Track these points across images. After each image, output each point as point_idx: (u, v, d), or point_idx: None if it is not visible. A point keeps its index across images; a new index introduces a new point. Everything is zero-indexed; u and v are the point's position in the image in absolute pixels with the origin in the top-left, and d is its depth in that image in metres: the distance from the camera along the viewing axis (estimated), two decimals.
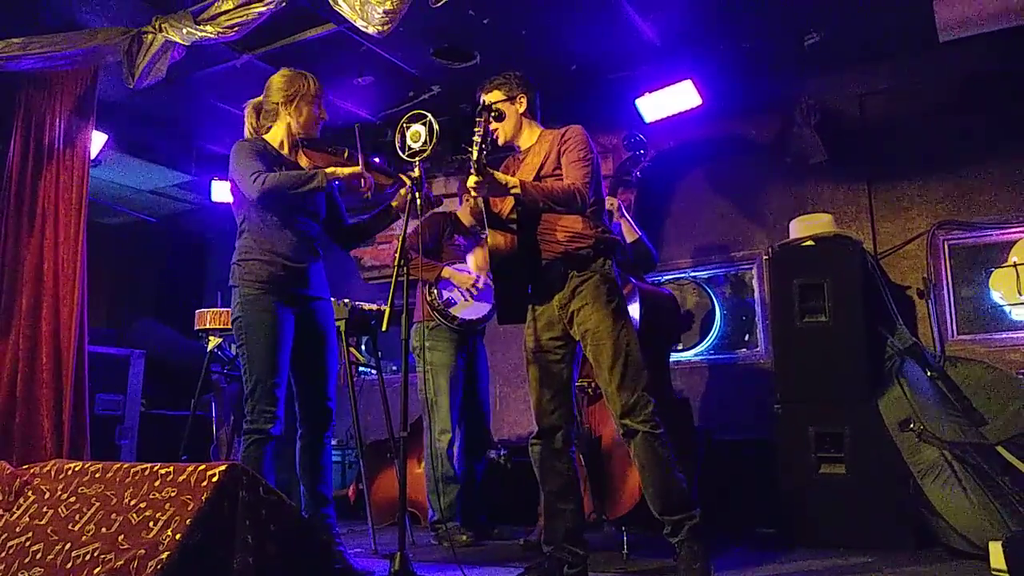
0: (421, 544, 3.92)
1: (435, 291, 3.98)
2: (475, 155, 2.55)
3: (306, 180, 2.88)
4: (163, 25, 3.94)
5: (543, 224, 2.86)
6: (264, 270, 2.94)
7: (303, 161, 3.08)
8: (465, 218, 4.22)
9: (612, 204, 3.81)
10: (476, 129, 2.59)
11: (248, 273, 2.95)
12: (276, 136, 3.10)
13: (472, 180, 2.60)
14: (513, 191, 2.69)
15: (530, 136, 3.00)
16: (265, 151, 3.01)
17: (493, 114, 2.80)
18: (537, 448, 2.86)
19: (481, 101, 2.94)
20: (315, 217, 3.12)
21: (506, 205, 2.89)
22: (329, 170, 2.91)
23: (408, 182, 2.96)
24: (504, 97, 2.95)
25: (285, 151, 3.08)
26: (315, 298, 3.09)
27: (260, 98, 3.16)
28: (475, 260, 4.00)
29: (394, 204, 3.14)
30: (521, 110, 2.97)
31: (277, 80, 3.08)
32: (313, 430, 3.10)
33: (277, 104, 3.07)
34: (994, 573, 2.82)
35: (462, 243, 4.18)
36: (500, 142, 3.00)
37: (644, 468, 2.70)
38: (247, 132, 3.17)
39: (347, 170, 2.92)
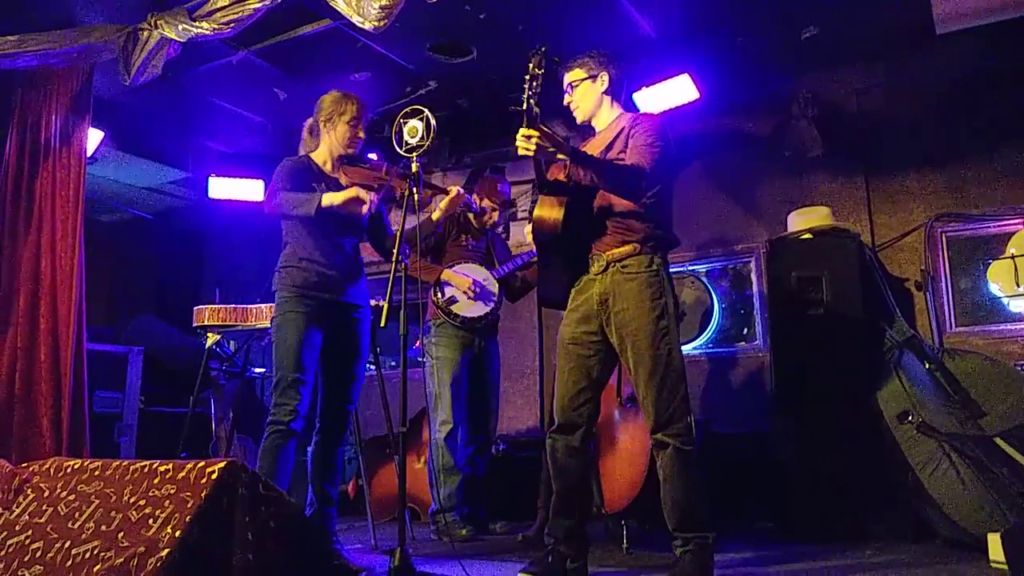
0: (421, 539, 3.93)
1: (439, 289, 4.05)
2: (524, 105, 2.41)
3: (302, 203, 3.00)
4: (159, 22, 3.93)
5: (596, 209, 2.73)
6: (299, 276, 3.10)
7: (343, 178, 3.19)
8: (473, 220, 4.22)
9: None
10: (526, 77, 2.45)
11: (285, 278, 3.12)
12: (321, 154, 3.25)
13: (522, 132, 2.44)
14: (562, 156, 2.53)
15: (608, 116, 2.88)
16: (307, 168, 3.18)
17: (546, 60, 2.55)
18: (555, 443, 2.74)
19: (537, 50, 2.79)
20: (354, 229, 3.23)
21: (563, 174, 2.73)
22: (326, 197, 2.99)
23: (452, 191, 3.21)
24: (585, 75, 2.85)
25: (328, 168, 3.23)
26: (352, 306, 3.20)
27: (312, 118, 3.31)
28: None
29: (434, 217, 3.32)
30: (603, 88, 2.86)
31: (324, 100, 3.25)
32: (329, 430, 3.20)
33: (321, 124, 3.23)
34: (993, 565, 2.83)
35: (471, 245, 4.20)
36: (579, 120, 2.92)
37: (667, 481, 2.62)
38: (301, 149, 3.34)
39: (342, 196, 2.98)
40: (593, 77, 2.86)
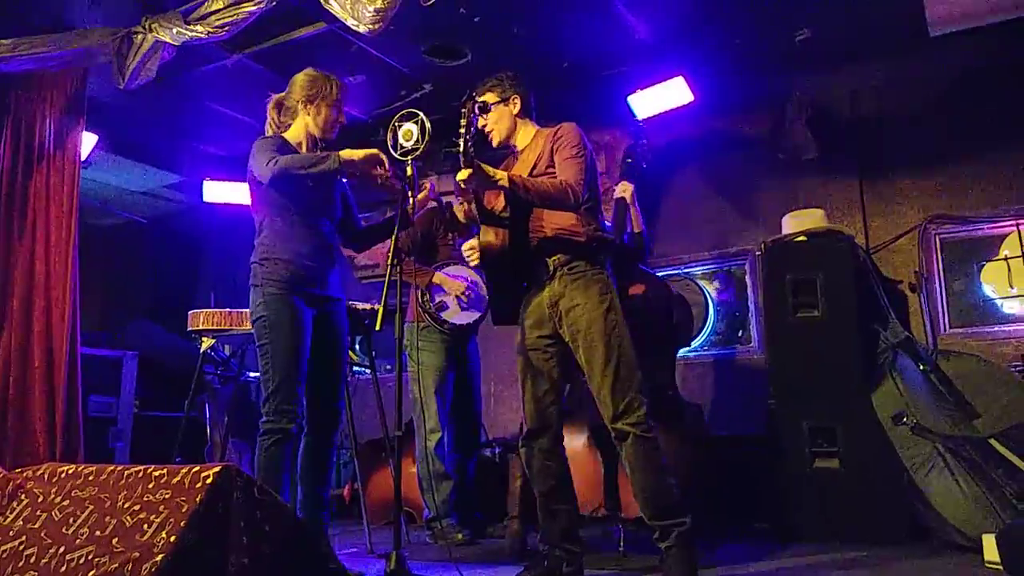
0: (417, 543, 3.92)
1: (428, 294, 3.99)
2: (461, 147, 2.51)
3: (320, 160, 2.86)
4: (153, 25, 3.93)
5: (534, 221, 2.82)
6: (286, 269, 2.95)
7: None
8: (460, 214, 4.18)
9: (627, 190, 3.75)
10: (461, 121, 2.54)
11: (270, 273, 2.96)
12: (295, 135, 3.11)
13: (462, 174, 2.55)
14: (501, 184, 2.64)
15: (526, 135, 2.98)
16: (285, 147, 3.01)
17: (478, 104, 2.76)
18: (529, 449, 2.81)
19: (469, 95, 2.92)
20: (331, 217, 3.14)
21: (499, 201, 2.86)
22: (345, 152, 2.87)
23: (425, 186, 3.12)
24: (498, 99, 2.93)
25: (303, 150, 3.09)
26: (332, 299, 3.11)
27: (283, 94, 3.16)
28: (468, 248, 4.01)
29: (409, 209, 3.14)
30: (515, 111, 2.95)
31: (300, 79, 3.10)
32: (319, 431, 3.10)
33: (297, 102, 3.09)
34: (988, 565, 2.84)
35: (459, 243, 4.16)
36: (495, 143, 2.98)
37: (634, 472, 2.65)
38: (268, 127, 3.18)
39: (363, 152, 2.87)
40: (505, 100, 2.93)
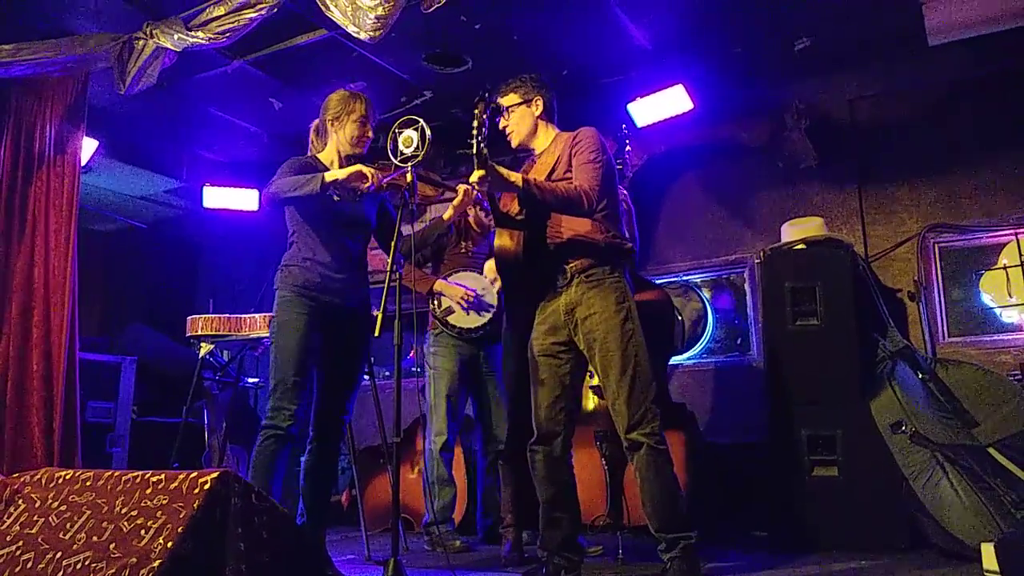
0: (414, 550, 3.91)
1: (437, 300, 4.04)
2: (474, 148, 2.49)
3: (303, 184, 2.91)
4: (154, 31, 3.94)
5: (551, 227, 2.81)
6: (301, 275, 3.03)
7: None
8: (471, 221, 4.18)
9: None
10: (474, 122, 2.52)
11: (287, 277, 3.05)
12: (328, 154, 3.19)
13: (476, 175, 2.53)
14: (515, 185, 2.62)
15: (545, 139, 2.96)
16: (313, 167, 3.08)
17: (491, 106, 2.75)
18: (536, 455, 2.80)
19: (492, 99, 2.92)
20: (362, 228, 3.18)
21: (515, 204, 2.84)
22: (329, 174, 2.92)
23: (460, 190, 3.12)
24: (520, 100, 2.92)
25: (335, 167, 3.14)
26: (354, 312, 3.13)
27: (318, 119, 3.25)
28: (489, 266, 4.02)
29: (446, 216, 3.24)
30: (537, 112, 2.94)
31: (331, 99, 3.20)
32: (323, 439, 3.12)
33: (327, 123, 3.18)
34: (987, 574, 2.83)
35: (472, 251, 4.16)
36: (515, 144, 2.98)
37: (645, 482, 2.65)
38: (309, 150, 3.28)
39: (346, 171, 2.91)
40: (528, 102, 2.94)
